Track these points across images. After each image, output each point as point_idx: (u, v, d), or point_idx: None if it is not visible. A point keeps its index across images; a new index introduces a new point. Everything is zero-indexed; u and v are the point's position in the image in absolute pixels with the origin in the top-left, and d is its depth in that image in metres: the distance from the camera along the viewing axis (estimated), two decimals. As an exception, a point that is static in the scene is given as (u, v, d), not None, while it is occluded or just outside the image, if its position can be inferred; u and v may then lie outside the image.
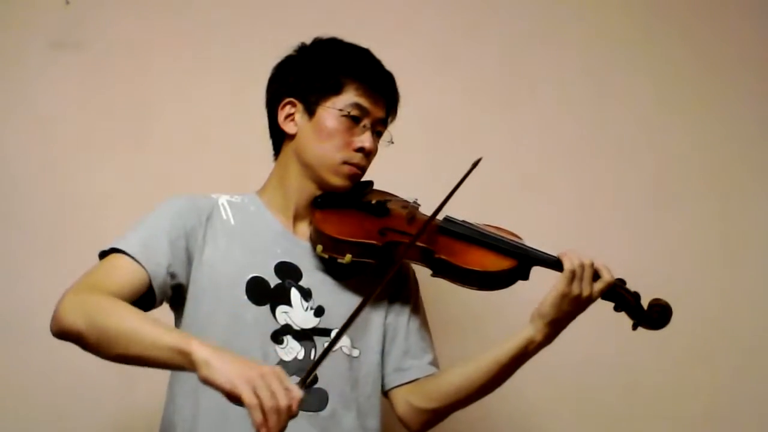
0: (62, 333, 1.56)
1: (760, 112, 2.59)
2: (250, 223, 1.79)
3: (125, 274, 1.63)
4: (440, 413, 1.84)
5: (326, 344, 1.63)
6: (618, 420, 2.43)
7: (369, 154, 1.81)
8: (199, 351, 1.42)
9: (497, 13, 2.52)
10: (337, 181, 1.80)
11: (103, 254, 1.68)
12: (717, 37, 2.60)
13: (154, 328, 1.49)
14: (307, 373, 1.50)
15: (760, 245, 2.55)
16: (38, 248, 2.23)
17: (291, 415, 1.40)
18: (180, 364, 1.45)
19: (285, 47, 1.88)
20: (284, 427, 1.39)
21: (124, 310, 1.53)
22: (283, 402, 1.38)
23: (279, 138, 1.85)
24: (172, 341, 1.45)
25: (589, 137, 2.52)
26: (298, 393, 1.41)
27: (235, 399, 1.40)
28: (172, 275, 1.69)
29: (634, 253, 2.42)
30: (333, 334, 1.75)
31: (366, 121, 1.80)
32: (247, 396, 1.38)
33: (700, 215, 2.53)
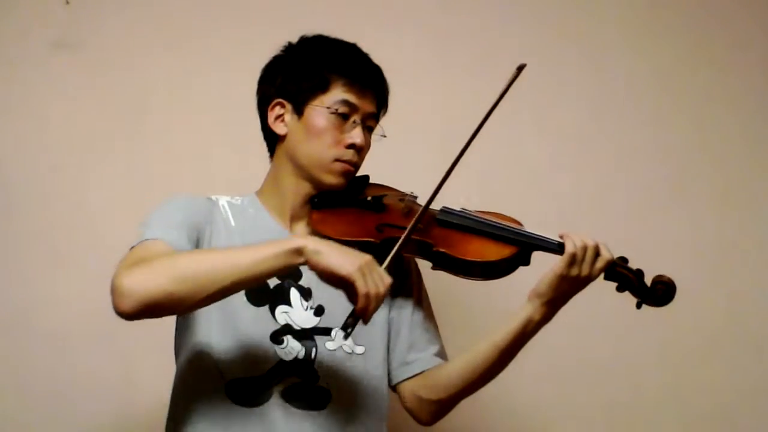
0: (144, 304, 1.48)
1: (763, 107, 2.57)
2: (249, 224, 1.79)
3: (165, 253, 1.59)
4: (448, 403, 1.84)
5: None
6: (620, 419, 2.43)
7: (361, 150, 1.79)
8: (308, 242, 1.53)
9: (497, 5, 2.51)
10: (330, 179, 1.79)
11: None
12: (720, 33, 2.58)
13: (243, 249, 1.56)
14: (390, 261, 1.61)
15: (763, 243, 2.53)
16: (37, 248, 2.24)
17: (382, 301, 1.53)
18: (293, 263, 1.53)
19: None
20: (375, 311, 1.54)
21: (198, 252, 1.62)
22: (381, 289, 1.52)
23: (272, 139, 1.85)
24: (281, 246, 1.53)
25: (590, 132, 2.51)
26: (389, 280, 1.55)
27: (337, 282, 1.52)
28: None
29: (636, 251, 2.39)
30: (333, 333, 1.75)
31: (355, 117, 1.79)
32: (362, 283, 1.51)
33: (703, 212, 2.52)
